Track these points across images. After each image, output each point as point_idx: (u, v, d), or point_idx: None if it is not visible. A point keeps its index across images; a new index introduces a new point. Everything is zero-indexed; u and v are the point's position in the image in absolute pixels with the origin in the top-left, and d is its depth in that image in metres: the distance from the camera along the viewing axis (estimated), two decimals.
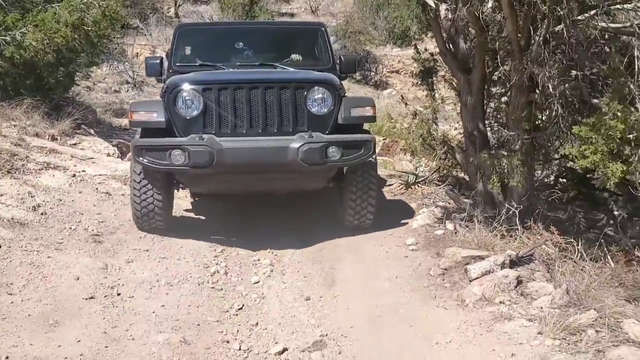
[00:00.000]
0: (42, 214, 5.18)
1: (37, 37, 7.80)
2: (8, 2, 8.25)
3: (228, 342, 3.61)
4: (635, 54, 4.44)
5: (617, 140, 4.10)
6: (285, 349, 3.56)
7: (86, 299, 3.87)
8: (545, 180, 7.60)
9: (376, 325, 3.80)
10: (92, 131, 9.03)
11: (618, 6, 4.67)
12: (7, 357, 3.02)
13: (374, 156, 5.31)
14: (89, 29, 8.50)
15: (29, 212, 5.11)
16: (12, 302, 3.65)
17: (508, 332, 3.45)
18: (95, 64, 9.67)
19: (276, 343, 3.64)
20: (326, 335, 3.72)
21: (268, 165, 4.96)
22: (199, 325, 3.75)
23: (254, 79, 5.18)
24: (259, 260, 4.98)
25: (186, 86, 5.03)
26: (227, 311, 4.04)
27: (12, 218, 4.87)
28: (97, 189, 6.24)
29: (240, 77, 5.33)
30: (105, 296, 3.94)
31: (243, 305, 4.15)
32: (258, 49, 6.42)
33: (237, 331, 3.76)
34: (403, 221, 5.74)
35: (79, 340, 3.31)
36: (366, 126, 5.90)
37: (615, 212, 6.42)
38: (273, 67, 5.82)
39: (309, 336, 3.69)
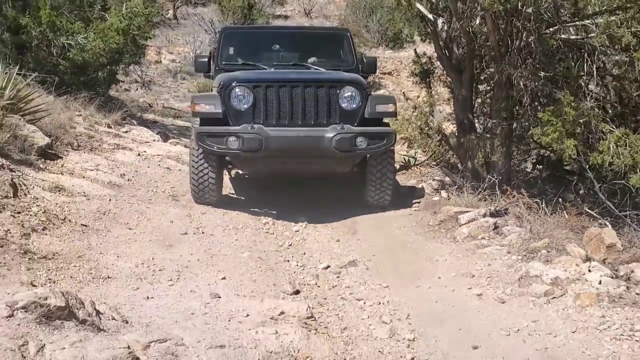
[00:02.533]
0: (128, 180, 6.63)
1: (97, 44, 9.23)
2: (69, 11, 9.69)
3: (288, 261, 5.03)
4: (585, 58, 5.98)
5: (570, 123, 5.60)
6: (328, 266, 4.96)
7: (182, 234, 5.25)
8: (524, 166, 9.20)
9: (392, 253, 5.26)
10: (134, 122, 10.46)
11: (572, 23, 6.18)
12: (153, 258, 4.47)
13: (393, 146, 6.18)
14: (136, 33, 9.96)
15: (120, 178, 6.55)
16: (134, 233, 5.07)
17: (486, 253, 4.94)
18: (137, 63, 11.11)
19: (321, 263, 5.07)
20: (356, 259, 5.13)
21: (306, 150, 5.82)
22: (264, 251, 5.16)
23: (295, 78, 6.07)
24: (296, 222, 6.08)
25: (239, 84, 5.91)
26: (281, 246, 5.44)
27: (110, 181, 6.31)
28: (159, 164, 7.69)
29: (284, 76, 6.18)
30: (194, 233, 5.34)
31: (291, 243, 5.55)
32: (292, 50, 7.29)
33: (292, 256, 5.18)
34: (406, 192, 7.22)
35: (191, 254, 4.73)
36: None
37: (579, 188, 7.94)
38: (307, 67, 6.72)
39: (344, 259, 5.10)
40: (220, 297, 3.86)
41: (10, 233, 4.07)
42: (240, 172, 7.38)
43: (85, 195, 5.66)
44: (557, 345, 3.41)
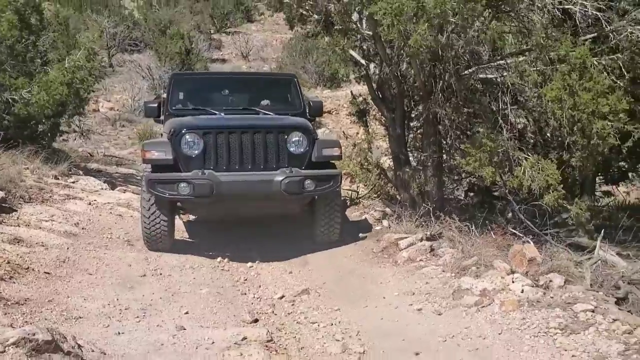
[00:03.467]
0: (82, 228, 6.86)
1: (41, 97, 9.45)
2: (10, 66, 9.88)
3: (245, 294, 5.40)
4: (500, 96, 6.72)
5: (488, 153, 6.27)
6: (283, 295, 5.35)
7: (141, 276, 5.55)
8: (457, 194, 9.91)
9: (341, 280, 5.72)
10: (80, 172, 10.63)
11: (487, 65, 6.94)
12: (117, 299, 4.77)
13: (339, 186, 6.41)
14: (80, 86, 10.21)
15: (74, 227, 6.78)
16: (95, 277, 5.34)
17: (424, 273, 5.48)
18: (80, 114, 11.32)
19: (276, 293, 5.46)
20: (308, 287, 5.56)
21: (257, 194, 5.97)
22: (222, 287, 5.51)
23: (244, 124, 6.20)
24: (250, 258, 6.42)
25: (189, 130, 6.01)
26: (237, 280, 5.79)
27: (66, 231, 6.54)
28: (111, 212, 7.93)
29: (233, 123, 6.30)
30: (152, 274, 5.64)
31: (247, 278, 5.91)
32: (241, 95, 7.49)
33: (248, 289, 5.55)
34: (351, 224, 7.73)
35: (153, 293, 5.04)
36: None
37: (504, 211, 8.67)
38: (256, 112, 6.88)
39: (297, 288, 5.52)
40: (185, 329, 4.22)
41: None
42: (192, 216, 7.57)
43: (43, 245, 5.89)
44: (486, 346, 3.93)
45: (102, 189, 9.48)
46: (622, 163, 9.37)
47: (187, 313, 4.63)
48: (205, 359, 3.55)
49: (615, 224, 7.29)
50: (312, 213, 6.62)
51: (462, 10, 5.40)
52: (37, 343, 3.01)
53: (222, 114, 6.68)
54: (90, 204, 8.06)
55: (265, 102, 7.26)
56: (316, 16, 8.10)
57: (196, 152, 5.99)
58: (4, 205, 6.53)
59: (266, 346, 4.01)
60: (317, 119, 20.86)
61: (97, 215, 7.59)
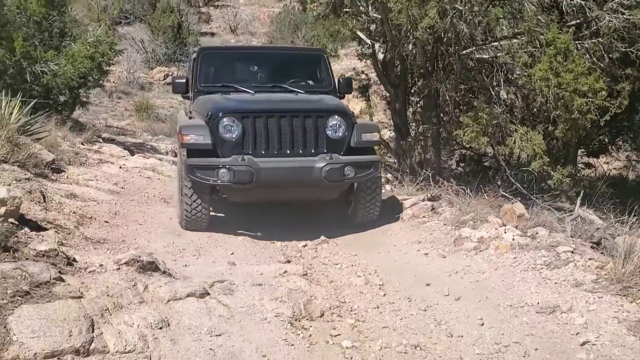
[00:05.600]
0: (122, 187, 7.70)
1: (68, 69, 10.18)
2: (38, 40, 10.57)
3: (274, 242, 6.22)
4: (494, 74, 7.61)
5: (484, 125, 7.17)
6: (306, 244, 6.17)
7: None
8: (450, 164, 10.84)
9: (354, 233, 6.61)
10: (100, 139, 11.40)
11: (484, 45, 7.82)
12: (173, 242, 5.62)
13: (379, 173, 6.30)
14: (101, 59, 10.95)
15: (115, 186, 7.61)
16: (146, 227, 6.20)
17: (428, 226, 6.39)
18: (101, 86, 12.04)
19: (299, 243, 6.30)
20: (326, 239, 6.39)
21: (297, 181, 5.89)
22: (254, 237, 6.38)
23: (284, 108, 6.06)
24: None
25: (227, 114, 5.90)
26: (267, 234, 6.67)
27: (109, 189, 7.37)
28: (140, 175, 8.76)
29: (272, 107, 6.15)
30: None
31: (273, 234, 6.80)
32: (270, 72, 7.29)
33: (275, 240, 6.41)
34: None
35: (199, 239, 5.88)
36: None
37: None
38: (286, 89, 6.74)
39: (317, 239, 6.39)
40: (235, 265, 5.09)
41: (66, 225, 5.14)
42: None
43: (94, 200, 6.71)
44: (484, 279, 4.85)
45: (124, 156, 10.27)
46: (602, 137, 10.36)
47: (232, 254, 5.50)
48: (263, 280, 4.43)
49: (594, 192, 8.24)
50: (349, 197, 6.55)
51: None
52: (142, 263, 3.87)
53: (253, 92, 6.59)
54: (121, 167, 8.87)
55: (300, 79, 7.14)
56: None
57: (234, 136, 5.89)
58: (53, 166, 7.31)
59: (304, 276, 4.90)
60: None
61: (130, 177, 8.41)
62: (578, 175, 10.10)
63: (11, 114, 7.07)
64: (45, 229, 4.60)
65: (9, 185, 5.50)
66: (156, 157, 10.50)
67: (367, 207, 6.44)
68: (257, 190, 5.90)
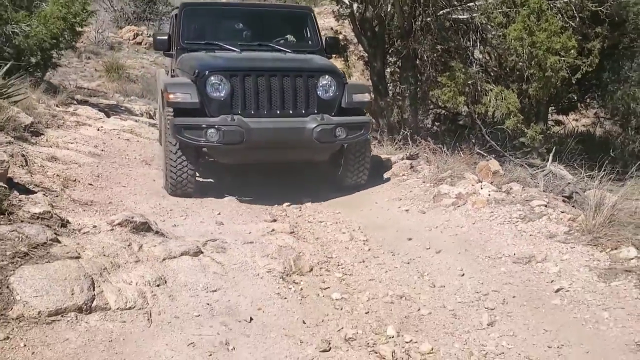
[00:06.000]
0: (102, 150, 7.69)
1: (40, 30, 9.98)
2: (9, 1, 10.30)
3: (257, 203, 6.40)
4: (470, 35, 7.73)
5: (461, 85, 7.33)
6: (290, 204, 6.36)
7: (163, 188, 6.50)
8: (426, 123, 11.02)
9: (336, 191, 6.78)
10: (74, 101, 11.26)
11: (459, 6, 7.91)
12: (159, 204, 5.71)
13: (370, 134, 6.29)
14: (74, 20, 10.73)
15: (95, 149, 7.60)
16: (130, 189, 6.25)
17: (407, 184, 6.58)
18: (73, 48, 11.82)
19: (284, 203, 6.45)
20: (310, 199, 6.57)
21: (288, 142, 5.80)
22: (239, 197, 6.50)
23: (273, 67, 5.91)
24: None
25: (214, 72, 5.72)
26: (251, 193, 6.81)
27: (90, 152, 7.36)
28: (119, 137, 8.73)
29: (260, 65, 5.99)
30: None
31: (258, 194, 6.92)
32: (255, 29, 7.06)
33: (260, 200, 6.56)
34: None
35: (183, 200, 6.00)
36: None
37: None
38: (272, 48, 6.60)
39: (302, 199, 6.55)
40: (223, 224, 5.20)
41: (53, 187, 5.19)
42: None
43: (76, 163, 6.72)
44: (463, 232, 5.08)
45: (100, 118, 10.18)
46: (571, 95, 10.63)
47: (219, 214, 5.61)
48: (253, 238, 4.57)
49: (564, 148, 8.53)
50: (338, 160, 6.48)
51: None
52: (135, 224, 3.97)
53: (239, 50, 6.46)
54: (98, 130, 8.82)
55: (287, 38, 7.07)
56: None
57: (222, 95, 5.75)
58: (32, 129, 7.26)
59: (291, 234, 5.05)
60: None
61: (109, 140, 8.39)
62: (549, 132, 10.40)
63: None
64: (34, 192, 4.63)
65: None
66: (133, 119, 10.45)
67: (356, 170, 6.42)
68: (246, 151, 5.78)
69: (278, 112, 5.82)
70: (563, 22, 7.25)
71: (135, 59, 21.08)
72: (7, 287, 2.96)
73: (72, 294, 3.07)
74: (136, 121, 10.24)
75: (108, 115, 10.77)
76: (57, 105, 9.81)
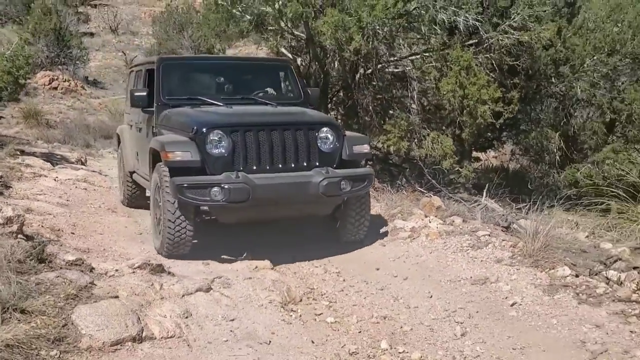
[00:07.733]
0: (67, 200, 7.98)
1: None
2: None
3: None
4: (408, 86, 8.73)
5: (403, 131, 8.26)
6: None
7: (139, 234, 6.90)
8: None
9: (303, 232, 7.42)
10: (18, 152, 11.34)
11: (394, 61, 8.92)
12: (144, 248, 6.13)
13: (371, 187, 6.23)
14: (18, 74, 10.94)
15: (60, 199, 7.88)
16: (108, 236, 6.64)
17: None
18: (16, 100, 11.93)
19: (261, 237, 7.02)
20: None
21: (294, 197, 5.63)
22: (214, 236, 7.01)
23: (273, 121, 5.84)
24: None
25: (214, 128, 5.54)
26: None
27: (58, 202, 7.65)
28: (75, 186, 9.01)
29: (261, 120, 5.88)
30: (147, 234, 7.01)
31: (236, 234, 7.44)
32: (236, 82, 6.92)
33: (236, 238, 7.09)
34: None
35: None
36: None
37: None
38: (256, 101, 6.59)
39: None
40: (209, 264, 5.73)
41: (51, 237, 5.54)
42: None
43: (50, 214, 7.01)
44: (423, 261, 5.87)
45: (49, 167, 10.36)
46: (489, 134, 11.90)
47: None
48: (243, 274, 5.15)
49: (490, 183, 9.63)
50: (336, 213, 6.36)
51: (389, 24, 7.24)
52: (152, 266, 4.48)
53: (224, 105, 6.32)
54: (55, 180, 9.06)
55: (267, 90, 6.98)
56: (248, 17, 9.51)
57: (224, 152, 5.57)
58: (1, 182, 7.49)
59: (272, 269, 5.64)
60: None
61: (69, 190, 8.66)
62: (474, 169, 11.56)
63: None
64: (44, 243, 4.99)
65: None
66: (84, 169, 10.68)
67: (357, 223, 6.31)
68: (250, 209, 5.58)
69: (280, 166, 5.70)
70: (486, 74, 8.39)
71: (52, 104, 20.94)
72: (72, 323, 3.41)
73: (127, 326, 3.55)
74: (88, 170, 10.47)
75: (53, 165, 10.94)
76: (9, 157, 9.94)
